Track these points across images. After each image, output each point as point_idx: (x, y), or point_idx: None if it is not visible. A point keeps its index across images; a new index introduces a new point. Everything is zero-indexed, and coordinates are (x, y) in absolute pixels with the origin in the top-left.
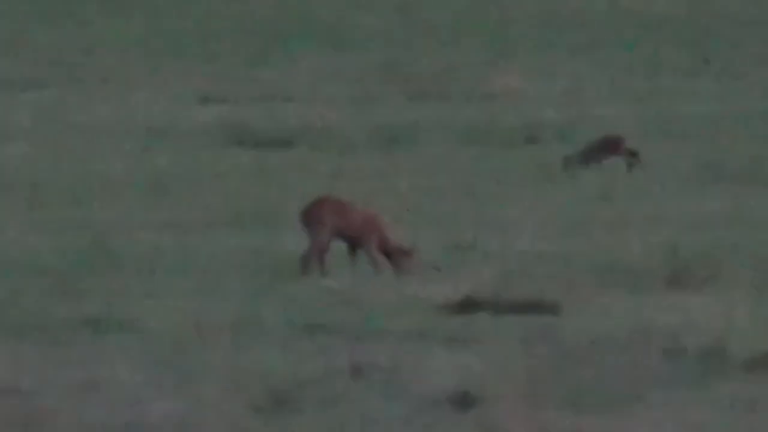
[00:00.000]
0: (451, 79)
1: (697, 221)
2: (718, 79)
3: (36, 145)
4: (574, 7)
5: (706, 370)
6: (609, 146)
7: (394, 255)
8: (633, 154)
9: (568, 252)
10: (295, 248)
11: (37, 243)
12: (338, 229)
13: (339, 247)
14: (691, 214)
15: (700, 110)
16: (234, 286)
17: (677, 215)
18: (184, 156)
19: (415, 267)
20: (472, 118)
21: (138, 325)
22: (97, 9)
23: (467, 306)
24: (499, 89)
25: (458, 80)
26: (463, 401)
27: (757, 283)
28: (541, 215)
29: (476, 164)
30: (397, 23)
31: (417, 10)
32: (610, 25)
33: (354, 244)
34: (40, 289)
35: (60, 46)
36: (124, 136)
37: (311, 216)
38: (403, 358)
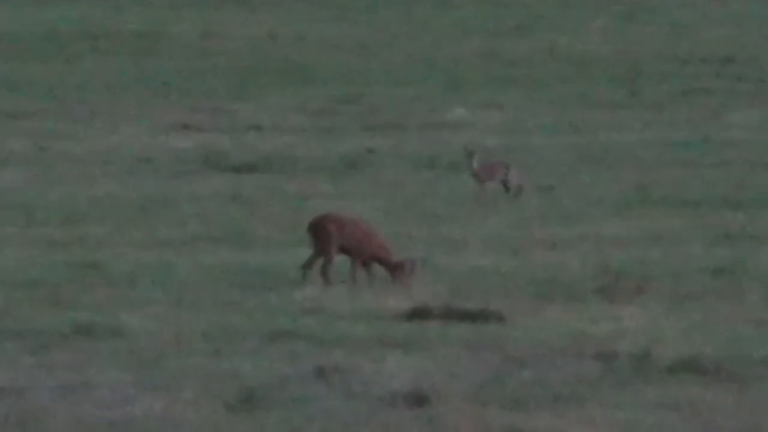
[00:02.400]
0: (405, 111)
1: (626, 240)
2: (644, 111)
3: (31, 171)
4: (515, 48)
5: (635, 374)
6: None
7: (393, 267)
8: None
9: (511, 267)
10: (264, 264)
11: (32, 258)
12: (343, 243)
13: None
14: (621, 234)
15: (628, 140)
16: (209, 297)
17: (609, 234)
18: (165, 179)
19: (412, 277)
20: (424, 145)
21: (124, 332)
22: (88, 49)
23: (421, 314)
24: (449, 120)
25: (412, 112)
26: (417, 400)
27: (679, 295)
28: (486, 234)
29: (427, 187)
30: (357, 62)
31: (375, 51)
32: (548, 64)
33: (356, 257)
34: (35, 300)
35: (53, 82)
36: (112, 163)
37: (320, 231)
38: (362, 361)
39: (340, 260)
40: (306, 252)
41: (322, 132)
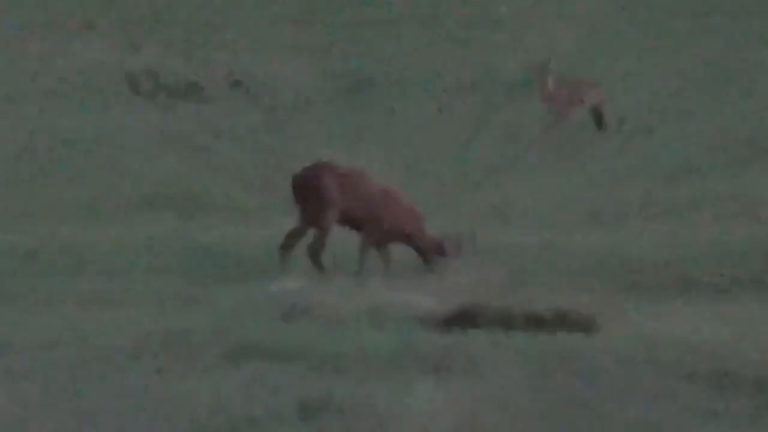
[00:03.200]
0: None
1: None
2: None
3: None
4: None
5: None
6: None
7: (426, 249)
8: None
9: (595, 247)
10: (225, 242)
11: None
12: (346, 209)
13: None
14: (762, 192)
15: None
16: (145, 292)
17: (747, 193)
18: (68, 110)
19: (451, 263)
20: (457, 58)
21: (16, 343)
22: None
23: (464, 319)
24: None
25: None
26: None
27: None
28: (560, 198)
29: (467, 124)
30: None
31: None
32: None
33: (367, 232)
34: None
35: None
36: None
37: (311, 189)
38: (373, 391)
39: (339, 236)
40: (287, 224)
41: (310, 48)
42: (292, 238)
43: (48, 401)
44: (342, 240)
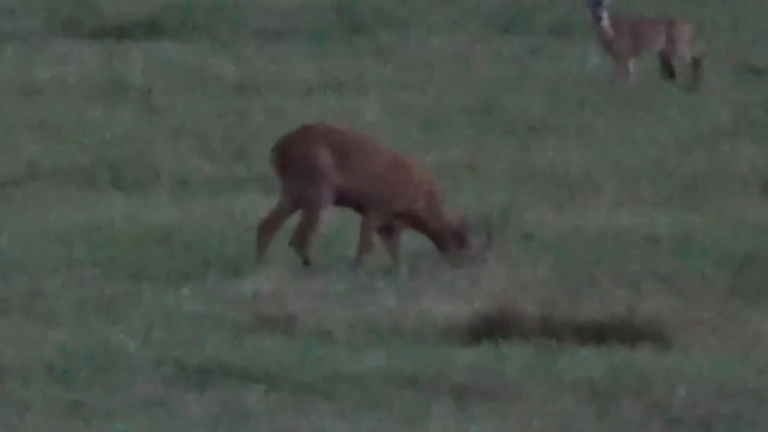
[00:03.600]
0: None
1: None
2: None
3: None
4: None
5: None
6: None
7: (445, 237)
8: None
9: (672, 231)
10: (179, 222)
11: None
12: (344, 186)
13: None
14: None
15: None
16: (64, 294)
17: None
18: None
19: (477, 253)
20: None
21: None
22: None
23: (496, 329)
24: None
25: None
26: None
27: None
28: (626, 166)
29: (508, 68)
30: None
31: None
32: None
33: (372, 213)
34: None
35: None
36: None
37: (299, 160)
38: (372, 423)
39: (334, 220)
40: (263, 200)
41: None
42: (273, 221)
43: None
44: (337, 225)
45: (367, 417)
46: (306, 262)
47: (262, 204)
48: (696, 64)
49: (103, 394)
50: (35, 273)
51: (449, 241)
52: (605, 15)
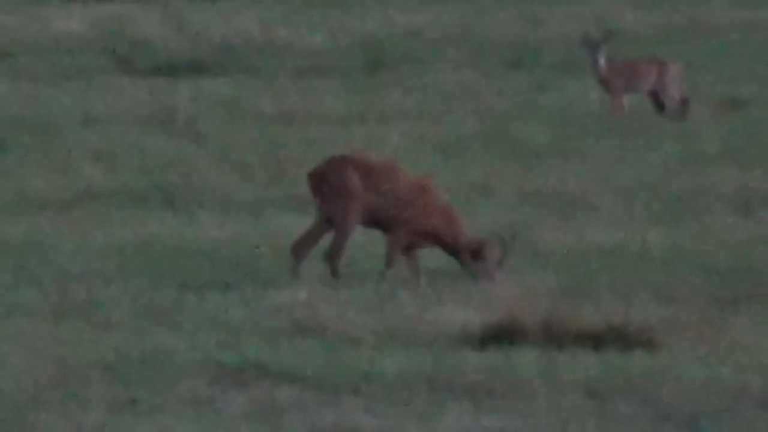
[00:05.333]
0: None
1: None
2: None
3: None
4: None
5: None
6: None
7: (463, 252)
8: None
9: (665, 247)
10: (216, 241)
11: None
12: (372, 207)
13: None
14: None
15: None
16: (120, 303)
17: None
18: (36, 90)
19: (496, 272)
20: (501, 21)
21: None
22: None
23: (506, 336)
24: None
25: None
26: None
27: None
28: (620, 187)
29: (510, 101)
30: None
31: None
32: None
33: (396, 233)
34: None
35: None
36: None
37: (332, 184)
38: (394, 419)
39: (361, 238)
40: (297, 219)
41: (324, 3)
42: (308, 239)
43: None
44: (364, 243)
45: (390, 413)
46: (335, 275)
47: (297, 222)
48: (684, 101)
49: (154, 392)
50: (94, 283)
51: (467, 256)
52: (602, 58)
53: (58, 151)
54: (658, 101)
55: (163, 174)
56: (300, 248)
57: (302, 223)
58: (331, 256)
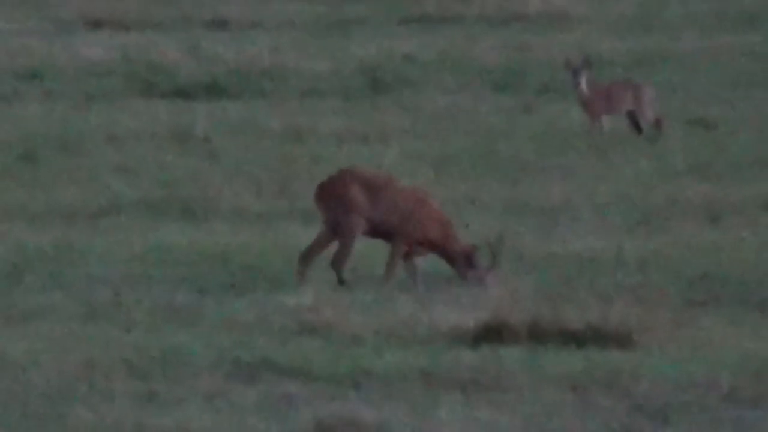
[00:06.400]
0: None
1: None
2: None
3: None
4: None
5: None
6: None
7: (456, 258)
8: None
9: (641, 254)
10: (232, 249)
11: None
12: (374, 218)
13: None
14: None
15: None
16: (141, 304)
17: None
18: (65, 110)
19: (490, 276)
20: (492, 52)
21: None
22: None
23: (495, 335)
24: (532, 11)
25: None
26: None
27: None
28: (602, 199)
29: (503, 122)
30: None
31: None
32: None
33: (398, 241)
34: None
35: None
36: None
37: (337, 198)
38: (394, 412)
39: (364, 247)
40: (303, 228)
41: (329, 30)
42: (313, 249)
43: (28, 422)
44: (366, 251)
45: (388, 405)
46: (341, 281)
47: (302, 232)
48: (657, 122)
49: (173, 386)
50: (117, 287)
51: (461, 262)
52: (584, 81)
53: (85, 166)
54: (634, 121)
55: (181, 187)
56: (307, 256)
57: (307, 232)
58: (337, 264)
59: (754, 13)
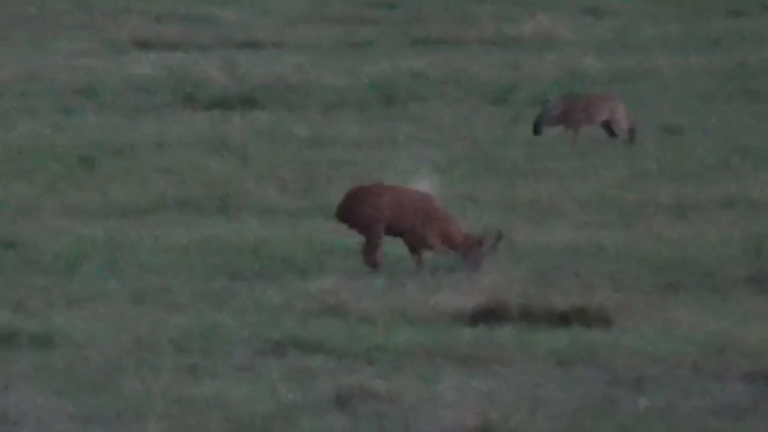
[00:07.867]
0: (466, 20)
1: None
2: None
3: None
4: None
5: None
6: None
7: (460, 246)
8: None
9: (620, 246)
10: (261, 241)
11: None
12: (390, 222)
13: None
14: None
15: None
16: (181, 290)
17: (763, 197)
18: (118, 120)
19: (485, 258)
20: (490, 69)
21: (57, 340)
22: None
23: (491, 315)
24: (527, 33)
25: (474, 22)
26: None
27: None
28: (583, 198)
29: (498, 131)
30: None
31: None
32: None
33: (409, 239)
34: None
35: None
36: (36, 95)
37: (365, 206)
38: (403, 384)
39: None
40: (321, 224)
41: (347, 50)
42: (371, 247)
43: (83, 396)
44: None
45: (399, 377)
46: (374, 269)
47: (324, 226)
48: (631, 131)
49: (211, 361)
50: (163, 274)
51: (469, 247)
52: (559, 102)
53: (135, 169)
54: (610, 131)
55: (218, 187)
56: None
57: (328, 227)
58: (371, 261)
59: (719, 36)
